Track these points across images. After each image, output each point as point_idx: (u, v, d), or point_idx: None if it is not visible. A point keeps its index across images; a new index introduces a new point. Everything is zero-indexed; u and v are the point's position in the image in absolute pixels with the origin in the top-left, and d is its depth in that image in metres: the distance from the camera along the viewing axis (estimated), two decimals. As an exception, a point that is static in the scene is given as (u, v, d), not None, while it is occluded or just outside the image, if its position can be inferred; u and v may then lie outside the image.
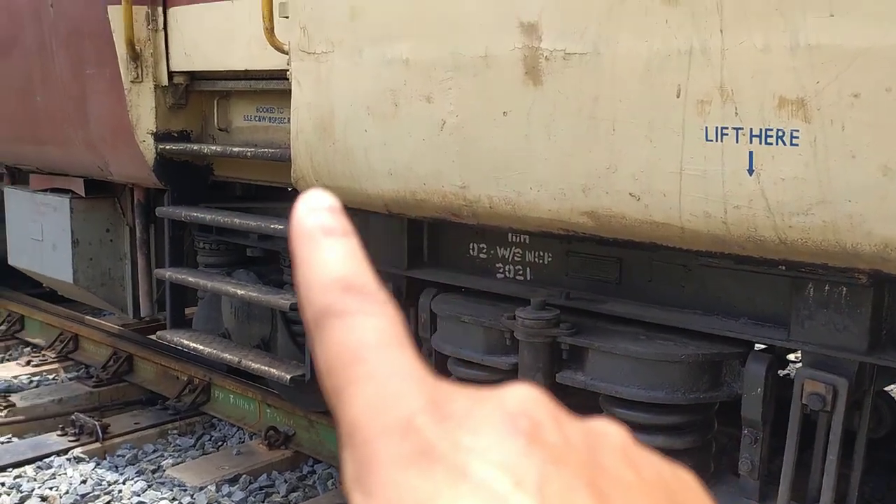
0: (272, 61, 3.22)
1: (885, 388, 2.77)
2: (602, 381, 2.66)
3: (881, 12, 1.60)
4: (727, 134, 1.89)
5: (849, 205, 1.75)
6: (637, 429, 2.63)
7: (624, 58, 2.02)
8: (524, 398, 0.27)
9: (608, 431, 0.29)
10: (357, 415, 0.26)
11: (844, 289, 2.15)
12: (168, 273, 3.94)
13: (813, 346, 2.27)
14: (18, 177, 5.25)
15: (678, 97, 1.94)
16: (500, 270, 3.17)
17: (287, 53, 2.95)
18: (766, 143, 1.82)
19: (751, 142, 1.85)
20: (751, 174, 1.87)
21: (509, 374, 2.96)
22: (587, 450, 0.27)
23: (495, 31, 2.27)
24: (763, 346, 2.59)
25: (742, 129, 1.86)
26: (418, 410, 0.26)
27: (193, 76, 3.81)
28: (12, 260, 5.23)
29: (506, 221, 2.54)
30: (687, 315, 2.62)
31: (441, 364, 3.47)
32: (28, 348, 6.02)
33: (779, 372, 2.52)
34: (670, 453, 2.63)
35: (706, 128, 1.92)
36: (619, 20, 2.01)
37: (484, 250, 3.21)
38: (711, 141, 1.92)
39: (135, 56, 3.66)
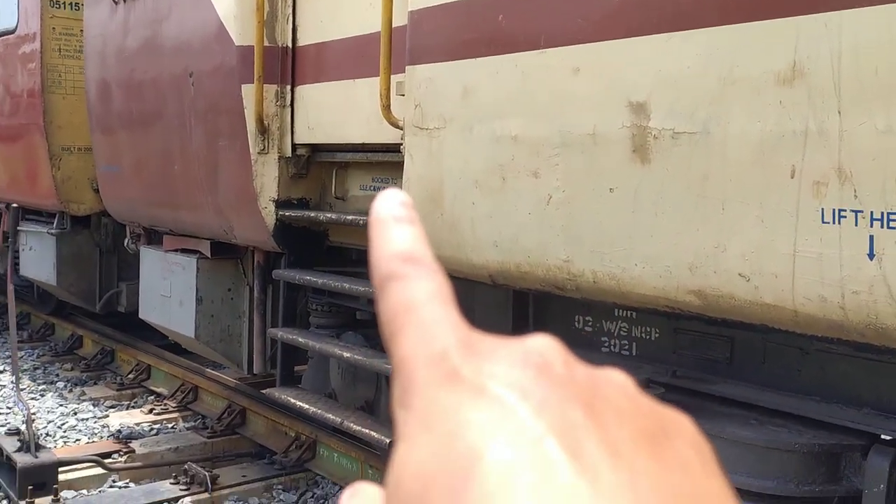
0: (387, 135, 3.34)
1: None
2: (710, 466, 2.54)
3: None
4: (845, 216, 1.82)
5: (979, 295, 1.65)
6: (747, 519, 2.51)
7: (735, 138, 1.99)
8: (541, 343, 0.32)
9: (613, 376, 0.32)
10: (404, 352, 0.32)
11: (978, 383, 2.00)
12: (280, 333, 4.08)
13: (944, 443, 2.11)
14: (153, 237, 5.60)
15: (792, 178, 1.89)
16: (606, 344, 3.12)
17: (401, 129, 3.06)
18: (889, 227, 1.75)
19: (871, 225, 1.78)
20: (871, 259, 1.79)
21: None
22: (590, 384, 0.31)
23: (604, 109, 2.30)
24: (888, 439, 2.42)
25: (862, 212, 1.79)
26: (450, 346, 0.31)
27: (315, 148, 4.00)
28: (143, 314, 5.54)
29: (609, 297, 2.51)
30: (803, 401, 2.50)
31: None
32: (152, 397, 6.31)
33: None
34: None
35: (822, 209, 1.86)
36: (730, 101, 1.99)
37: (590, 323, 3.18)
38: (828, 223, 1.85)
39: (263, 130, 3.89)
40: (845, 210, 1.82)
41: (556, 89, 2.43)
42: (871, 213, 1.78)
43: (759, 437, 2.42)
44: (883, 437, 2.41)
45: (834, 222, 1.84)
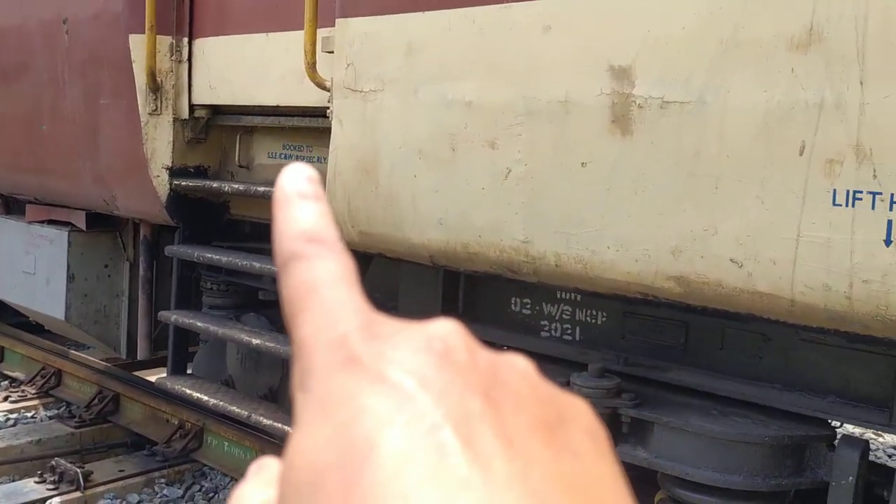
0: (306, 98, 2.99)
1: None
2: (668, 459, 2.40)
3: None
4: (861, 199, 1.67)
5: None
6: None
7: (736, 109, 1.80)
8: (444, 328, 0.31)
9: (515, 361, 0.32)
10: (304, 333, 0.32)
11: (967, 374, 1.93)
12: (174, 316, 3.65)
13: (922, 435, 2.04)
14: (13, 206, 4.96)
15: (801, 155, 1.72)
16: (546, 329, 2.93)
17: (329, 90, 2.72)
18: (910, 211, 1.61)
19: (890, 209, 1.63)
20: (888, 245, 1.65)
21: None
22: (491, 370, 0.31)
23: (579, 74, 2.06)
24: (855, 429, 2.35)
25: (881, 193, 1.64)
26: (352, 329, 0.31)
27: (216, 110, 3.56)
28: (0, 293, 4.92)
29: (573, 282, 2.30)
30: (765, 390, 2.39)
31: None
32: (6, 382, 5.67)
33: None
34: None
35: (834, 190, 1.70)
36: (732, 67, 1.80)
37: (528, 306, 2.97)
38: (840, 206, 1.70)
39: (155, 88, 3.41)
40: (861, 192, 1.67)
41: (521, 49, 2.17)
42: (892, 195, 1.63)
43: (727, 431, 2.29)
44: (849, 427, 2.34)
45: (847, 205, 1.69)
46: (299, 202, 0.35)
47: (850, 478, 2.19)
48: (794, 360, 2.36)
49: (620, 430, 2.50)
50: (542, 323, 2.93)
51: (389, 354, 0.30)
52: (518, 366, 0.32)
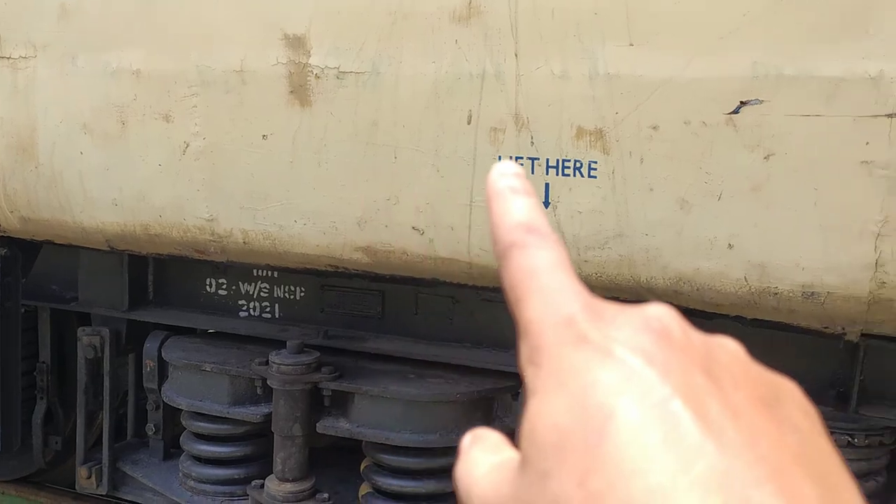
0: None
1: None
2: (369, 427, 2.44)
3: (680, 44, 1.58)
4: (522, 164, 1.78)
5: (645, 238, 1.72)
6: (407, 475, 2.47)
7: (408, 79, 1.83)
8: (660, 311, 0.34)
9: (726, 342, 0.35)
10: (531, 315, 0.35)
11: (619, 318, 2.16)
12: None
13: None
14: None
15: (469, 124, 1.80)
16: (244, 308, 2.83)
17: (-32, 54, 2.36)
18: (564, 174, 1.74)
19: (547, 173, 1.76)
20: (547, 207, 1.78)
21: (261, 427, 2.64)
22: (705, 350, 0.34)
23: (254, 42, 1.97)
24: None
25: (538, 159, 1.76)
26: (577, 311, 0.34)
27: None
28: None
29: (263, 258, 2.23)
30: (456, 350, 2.50)
31: (173, 419, 3.03)
32: None
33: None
34: (440, 498, 2.49)
35: (500, 157, 1.79)
36: (401, 38, 1.82)
37: (224, 286, 2.85)
38: (505, 172, 1.79)
39: None
40: (522, 157, 1.78)
41: (192, 15, 2.03)
42: (548, 160, 1.76)
43: (422, 393, 2.37)
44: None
45: (511, 170, 1.79)
46: (512, 196, 0.39)
47: (533, 423, 2.38)
48: (480, 319, 2.50)
49: (323, 403, 2.49)
50: (241, 303, 2.82)
51: (614, 334, 0.33)
52: (729, 347, 0.35)
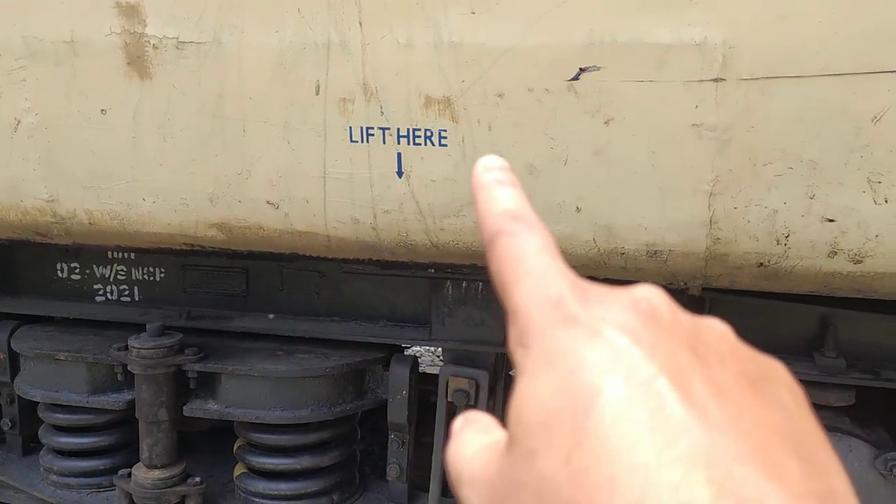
0: None
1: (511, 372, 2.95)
2: (239, 407, 2.39)
3: (520, 12, 1.59)
4: (373, 134, 1.76)
5: (497, 205, 1.74)
6: (281, 452, 2.44)
7: (252, 49, 1.77)
8: (648, 292, 0.35)
9: (713, 324, 0.36)
10: (519, 298, 0.36)
11: (481, 285, 2.19)
12: None
13: (454, 343, 2.28)
14: None
15: (318, 95, 1.76)
16: (101, 293, 2.70)
17: None
18: (415, 143, 1.74)
19: (398, 142, 1.75)
20: (400, 176, 1.77)
21: (125, 414, 2.54)
22: (693, 329, 0.34)
23: (84, 11, 1.85)
24: (406, 347, 2.56)
25: (389, 129, 1.74)
26: (565, 292, 0.35)
27: None
28: None
29: (113, 239, 2.13)
30: (325, 324, 2.48)
31: (30, 412, 2.87)
32: None
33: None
34: (315, 473, 2.48)
35: (350, 128, 1.77)
36: (242, 6, 1.75)
37: (77, 270, 2.71)
38: (357, 142, 1.77)
39: None
40: (373, 128, 1.76)
41: (13, -18, 1.88)
42: (398, 130, 1.74)
43: (290, 369, 2.34)
44: (403, 346, 2.53)
45: (363, 140, 1.77)
46: (498, 187, 0.40)
47: (404, 392, 2.39)
48: (347, 292, 2.48)
49: (189, 386, 2.42)
50: (96, 287, 2.70)
51: (602, 314, 0.33)
52: (717, 327, 0.36)
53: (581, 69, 1.58)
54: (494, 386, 2.46)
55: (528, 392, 0.33)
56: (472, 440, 0.39)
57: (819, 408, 2.05)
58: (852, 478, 0.32)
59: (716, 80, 1.51)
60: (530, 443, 0.32)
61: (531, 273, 0.36)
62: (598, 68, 1.57)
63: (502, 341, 2.24)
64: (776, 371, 0.35)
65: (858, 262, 1.60)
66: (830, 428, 2.06)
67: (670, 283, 1.79)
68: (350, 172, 1.80)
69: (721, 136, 1.55)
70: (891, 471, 2.01)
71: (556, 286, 0.35)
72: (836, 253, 1.60)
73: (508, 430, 0.33)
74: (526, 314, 0.35)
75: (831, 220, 1.59)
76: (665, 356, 0.32)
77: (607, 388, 0.30)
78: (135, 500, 2.42)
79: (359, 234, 1.87)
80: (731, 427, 0.30)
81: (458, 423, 0.41)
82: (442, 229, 1.80)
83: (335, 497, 2.48)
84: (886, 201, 1.55)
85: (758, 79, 1.52)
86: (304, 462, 2.44)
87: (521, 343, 0.35)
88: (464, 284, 2.21)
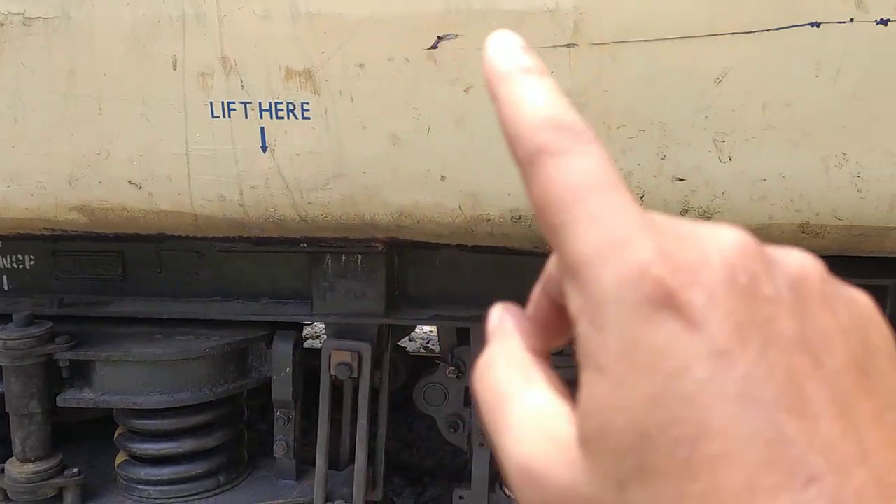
0: None
1: (399, 343, 2.97)
2: (115, 394, 2.33)
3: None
4: (235, 109, 1.73)
5: (364, 176, 1.75)
6: (163, 437, 2.39)
7: (103, 24, 1.71)
8: (740, 254, 0.28)
9: (808, 274, 0.30)
10: (586, 253, 0.28)
11: (360, 257, 2.19)
12: None
13: (336, 317, 2.29)
14: None
15: (175, 70, 1.72)
16: (-34, 284, 2.57)
17: None
18: (278, 117, 1.72)
19: (261, 117, 1.73)
20: (265, 151, 1.75)
21: (-4, 409, 2.44)
22: (795, 300, 0.29)
23: (-82, -16, 1.75)
24: (288, 323, 2.53)
25: (251, 103, 1.72)
26: (648, 256, 0.27)
27: None
28: None
29: (-32, 227, 2.03)
30: (205, 304, 2.44)
31: None
32: None
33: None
34: (200, 456, 2.44)
35: (211, 103, 1.73)
36: (90, -23, 1.69)
37: (-62, 263, 2.57)
38: (218, 117, 1.74)
39: None
40: (234, 102, 1.73)
41: None
42: (260, 103, 1.72)
43: (167, 352, 2.29)
44: (283, 322, 2.51)
45: (224, 116, 1.74)
46: (524, 78, 0.31)
47: (287, 368, 2.38)
48: (228, 270, 2.44)
49: (61, 375, 2.34)
50: (-40, 278, 2.57)
51: (698, 296, 0.27)
52: (813, 285, 0.30)
53: (439, 37, 1.60)
54: (381, 357, 2.48)
55: (613, 402, 0.27)
56: (502, 366, 0.33)
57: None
58: None
59: (568, 45, 1.55)
60: (619, 472, 0.27)
61: (596, 217, 0.29)
62: (456, 36, 1.59)
63: (383, 312, 2.26)
64: (872, 324, 0.30)
65: (708, 218, 1.68)
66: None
67: (537, 248, 1.84)
68: (213, 148, 1.77)
69: (576, 101, 1.60)
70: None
71: (637, 245, 0.28)
72: (687, 211, 1.68)
73: (582, 434, 0.28)
74: (597, 280, 0.28)
75: (682, 180, 1.66)
76: (779, 369, 0.27)
77: (716, 418, 0.26)
78: (9, 496, 2.34)
79: (226, 212, 1.85)
80: (856, 467, 0.26)
81: (494, 319, 0.35)
82: (310, 203, 1.79)
83: (221, 478, 2.46)
84: (731, 159, 1.63)
85: (608, 43, 1.57)
86: (186, 445, 2.41)
87: (592, 320, 0.28)
88: (343, 258, 2.21)
